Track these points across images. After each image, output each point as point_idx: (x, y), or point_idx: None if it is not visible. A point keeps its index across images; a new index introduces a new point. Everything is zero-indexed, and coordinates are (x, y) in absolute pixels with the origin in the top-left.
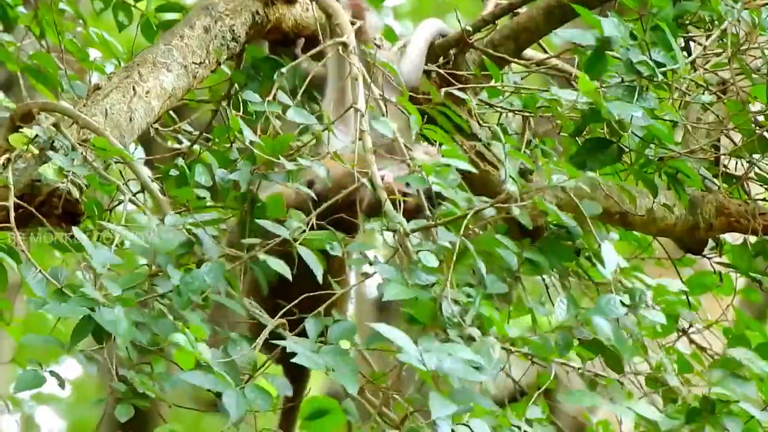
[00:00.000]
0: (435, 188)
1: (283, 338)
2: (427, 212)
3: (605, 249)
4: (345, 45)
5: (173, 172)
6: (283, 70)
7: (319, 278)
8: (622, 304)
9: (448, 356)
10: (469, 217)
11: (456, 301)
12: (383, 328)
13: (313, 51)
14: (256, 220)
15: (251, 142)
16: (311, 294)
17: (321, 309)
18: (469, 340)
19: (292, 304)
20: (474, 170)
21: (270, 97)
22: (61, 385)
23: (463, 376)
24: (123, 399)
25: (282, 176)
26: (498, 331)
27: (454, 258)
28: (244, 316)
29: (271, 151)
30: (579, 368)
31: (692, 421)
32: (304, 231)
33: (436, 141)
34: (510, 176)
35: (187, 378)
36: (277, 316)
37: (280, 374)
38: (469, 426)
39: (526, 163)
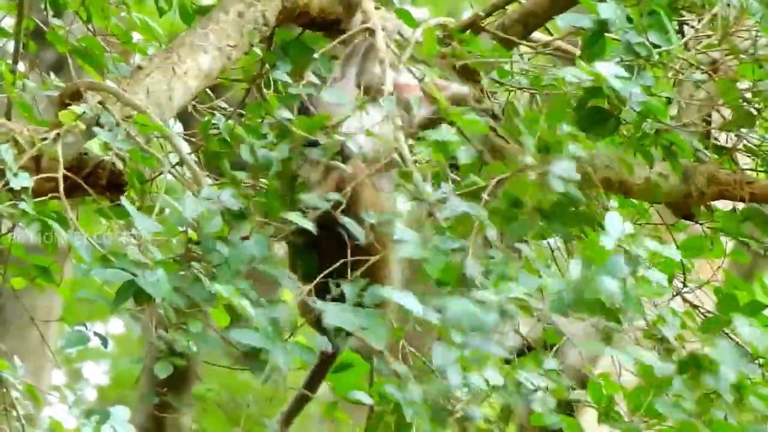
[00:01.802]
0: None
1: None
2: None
3: (609, 217)
4: (371, 30)
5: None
6: (316, 55)
7: (362, 240)
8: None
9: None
10: (490, 187)
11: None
12: (388, 291)
13: (342, 37)
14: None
15: (289, 120)
16: (347, 260)
17: (357, 273)
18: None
19: (332, 268)
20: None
21: (300, 79)
22: (104, 343)
23: (468, 324)
24: (162, 357)
25: (318, 152)
26: (504, 289)
27: (476, 227)
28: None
29: (307, 130)
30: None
31: (683, 372)
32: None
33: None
34: (529, 150)
35: (233, 335)
36: (315, 281)
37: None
38: (483, 375)
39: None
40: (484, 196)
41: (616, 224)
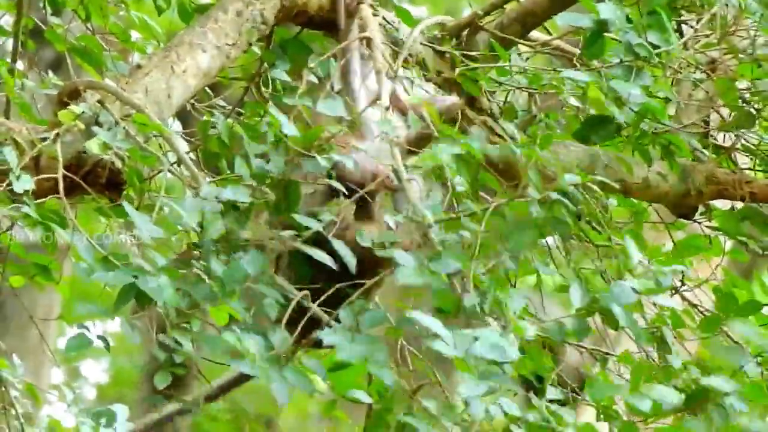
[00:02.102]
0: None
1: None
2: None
3: (629, 244)
4: (369, 39)
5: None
6: (312, 64)
7: (352, 270)
8: (634, 290)
9: (475, 341)
10: (489, 212)
11: (475, 286)
12: (418, 315)
13: (340, 46)
14: (290, 213)
15: (285, 135)
16: (343, 284)
17: (353, 298)
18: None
19: (330, 292)
20: (489, 170)
21: (299, 84)
22: (107, 345)
23: (491, 358)
24: (162, 366)
25: (313, 165)
26: (515, 330)
27: (477, 249)
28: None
29: (303, 143)
30: (592, 349)
31: (690, 405)
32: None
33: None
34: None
35: (233, 366)
36: (315, 303)
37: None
38: (499, 405)
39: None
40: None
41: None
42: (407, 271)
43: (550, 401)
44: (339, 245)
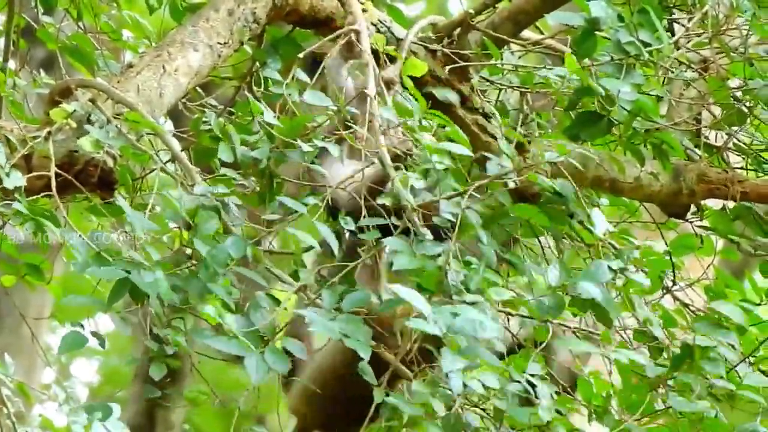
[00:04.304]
0: (438, 167)
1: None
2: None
3: (595, 214)
4: (357, 32)
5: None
6: (301, 55)
7: (335, 251)
8: (610, 269)
9: (456, 317)
10: (469, 192)
11: (459, 270)
12: (400, 289)
13: (327, 38)
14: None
15: (270, 124)
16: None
17: (336, 279)
18: (471, 305)
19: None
20: (470, 154)
21: (288, 80)
22: (102, 343)
23: (472, 334)
24: (156, 358)
25: (298, 155)
26: (488, 298)
27: (456, 230)
28: (265, 285)
29: (288, 132)
30: (573, 328)
31: (676, 368)
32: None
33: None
34: (505, 153)
35: (211, 343)
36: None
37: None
38: (479, 380)
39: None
40: (463, 201)
41: (601, 220)
42: (402, 257)
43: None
44: (322, 228)
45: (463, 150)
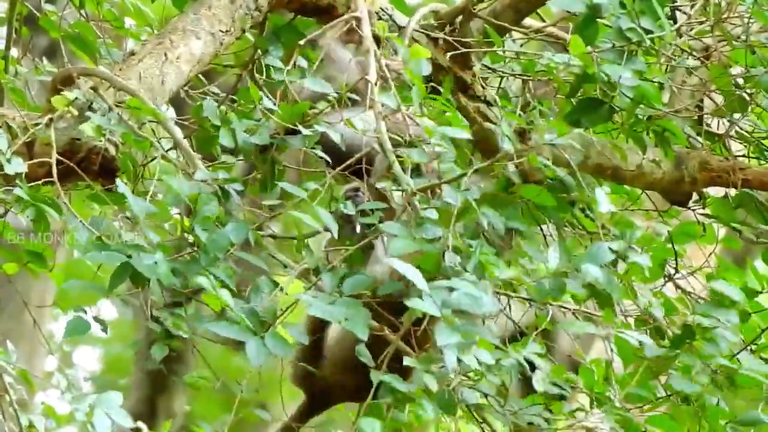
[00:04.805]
0: (437, 149)
1: None
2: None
3: (599, 194)
4: (358, 19)
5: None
6: (302, 42)
7: (334, 235)
8: (611, 250)
9: (453, 291)
10: (469, 174)
11: (459, 251)
12: (397, 263)
13: (329, 25)
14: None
15: (270, 110)
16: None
17: (337, 262)
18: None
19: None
20: (469, 136)
21: (290, 66)
22: (105, 329)
23: (468, 309)
24: (158, 339)
25: (299, 140)
26: (490, 275)
27: (455, 213)
28: (267, 270)
29: (288, 118)
30: (574, 309)
31: (676, 348)
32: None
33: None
34: (506, 136)
35: (211, 327)
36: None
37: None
38: (475, 356)
39: (522, 125)
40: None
41: (605, 200)
42: (399, 242)
43: None
44: (321, 212)
45: (463, 134)
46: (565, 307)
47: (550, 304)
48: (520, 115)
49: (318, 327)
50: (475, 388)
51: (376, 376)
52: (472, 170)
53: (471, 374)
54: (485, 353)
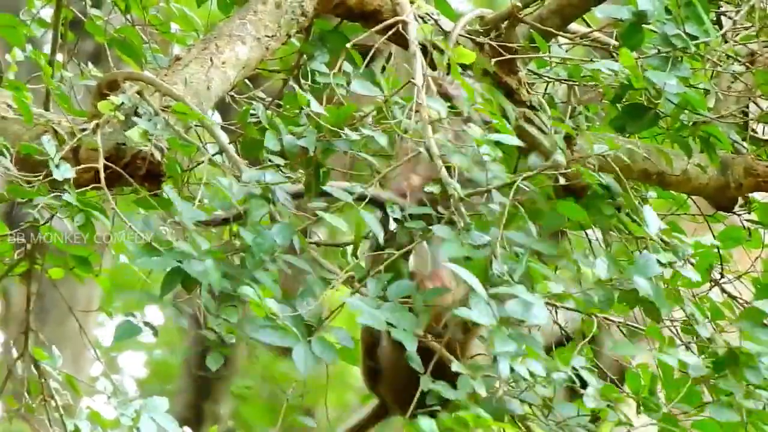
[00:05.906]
0: (485, 158)
1: None
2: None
3: (647, 211)
4: (404, 23)
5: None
6: (348, 45)
7: (380, 240)
8: (659, 262)
9: (511, 297)
10: (518, 183)
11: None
12: (455, 267)
13: (376, 28)
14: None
15: (317, 114)
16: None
17: (381, 267)
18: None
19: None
20: (520, 143)
21: (336, 69)
22: (155, 333)
23: (522, 317)
24: (212, 347)
25: (346, 144)
26: (542, 288)
27: (503, 220)
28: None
29: (334, 121)
30: (619, 322)
31: (719, 371)
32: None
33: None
34: (559, 147)
35: (257, 336)
36: (343, 274)
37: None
38: (527, 366)
39: (568, 131)
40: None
41: (653, 218)
42: (451, 246)
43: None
44: (367, 216)
45: (513, 140)
46: (610, 320)
47: (596, 316)
48: (564, 121)
49: (371, 343)
50: (521, 398)
51: (425, 383)
52: (522, 178)
53: (515, 383)
54: (537, 364)
